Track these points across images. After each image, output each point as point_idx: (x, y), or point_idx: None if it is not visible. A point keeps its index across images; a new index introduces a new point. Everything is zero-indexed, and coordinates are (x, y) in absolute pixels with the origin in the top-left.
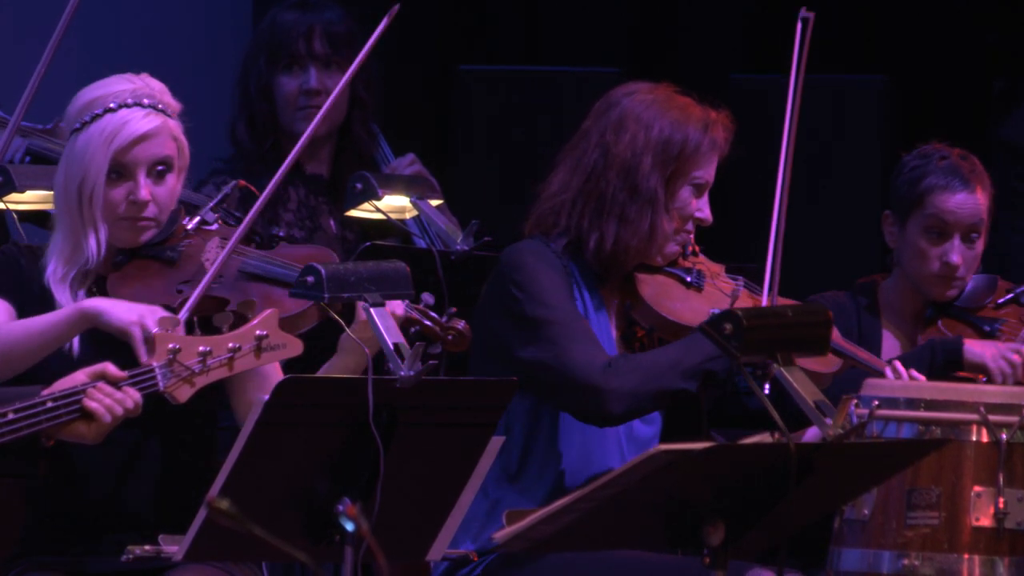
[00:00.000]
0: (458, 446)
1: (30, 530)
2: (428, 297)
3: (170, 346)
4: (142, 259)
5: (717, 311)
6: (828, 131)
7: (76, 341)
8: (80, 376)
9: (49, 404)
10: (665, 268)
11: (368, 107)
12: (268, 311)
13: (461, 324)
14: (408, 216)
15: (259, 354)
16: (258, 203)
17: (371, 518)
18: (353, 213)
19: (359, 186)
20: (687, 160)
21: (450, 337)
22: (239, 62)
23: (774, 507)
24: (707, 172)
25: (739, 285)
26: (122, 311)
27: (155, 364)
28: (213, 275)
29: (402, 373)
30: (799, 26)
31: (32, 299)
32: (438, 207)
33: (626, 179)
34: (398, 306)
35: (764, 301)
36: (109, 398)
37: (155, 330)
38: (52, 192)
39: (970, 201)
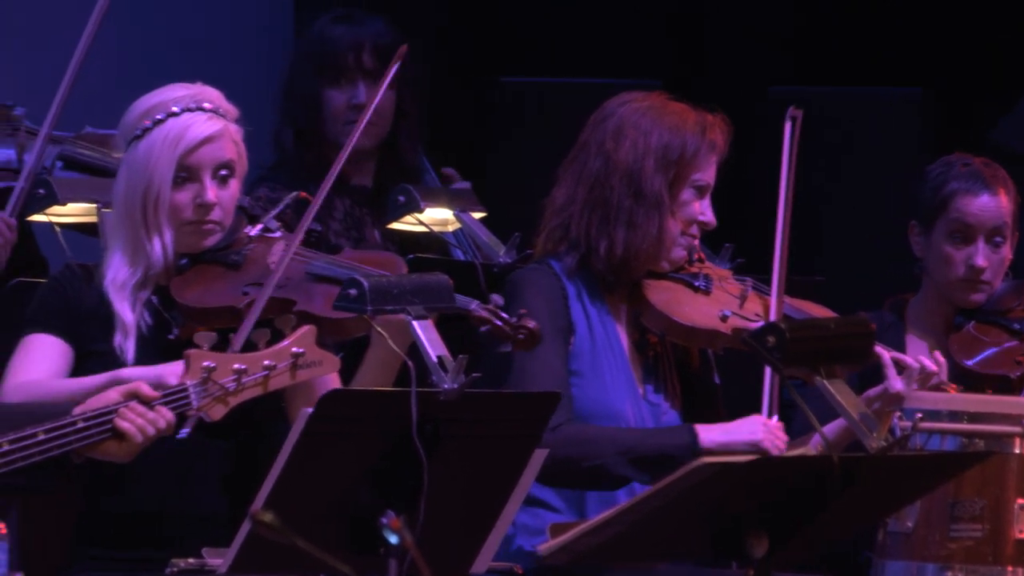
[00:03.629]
0: (502, 459)
1: (76, 542)
2: (498, 298)
3: (205, 364)
4: (205, 264)
5: (728, 312)
6: (868, 143)
7: (131, 349)
8: (112, 395)
9: (80, 424)
10: (671, 274)
11: (413, 120)
12: (305, 328)
13: (532, 323)
14: (450, 228)
15: (295, 372)
16: (312, 206)
17: (415, 531)
18: (395, 225)
19: (402, 199)
20: (687, 164)
21: (521, 336)
22: (283, 70)
23: (817, 519)
24: (707, 174)
25: (747, 287)
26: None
27: (189, 383)
28: (281, 273)
29: (445, 386)
30: (787, 125)
31: (86, 316)
32: (480, 220)
33: (630, 184)
34: (470, 305)
35: (772, 302)
36: (141, 418)
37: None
38: (94, 205)
39: (992, 204)
